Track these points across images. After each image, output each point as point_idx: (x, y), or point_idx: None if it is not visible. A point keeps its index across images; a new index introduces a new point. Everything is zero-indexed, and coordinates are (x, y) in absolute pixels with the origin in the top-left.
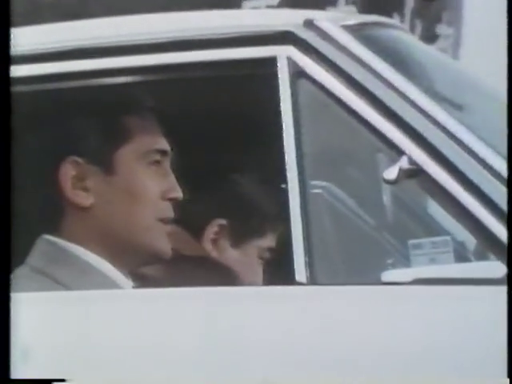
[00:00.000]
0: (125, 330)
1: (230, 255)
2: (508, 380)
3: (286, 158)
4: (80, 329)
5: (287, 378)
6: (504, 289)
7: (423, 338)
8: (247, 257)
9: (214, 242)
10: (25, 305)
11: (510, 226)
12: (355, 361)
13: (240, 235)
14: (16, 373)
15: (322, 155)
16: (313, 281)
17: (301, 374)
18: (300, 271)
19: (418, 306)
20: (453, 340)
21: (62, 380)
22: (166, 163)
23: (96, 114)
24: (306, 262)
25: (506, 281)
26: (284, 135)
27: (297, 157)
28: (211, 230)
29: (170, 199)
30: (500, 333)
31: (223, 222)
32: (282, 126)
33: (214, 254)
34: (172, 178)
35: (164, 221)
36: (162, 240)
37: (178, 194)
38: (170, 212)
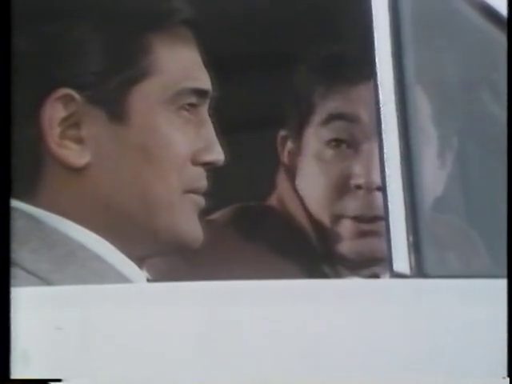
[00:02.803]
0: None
1: None
2: (508, 380)
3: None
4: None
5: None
6: None
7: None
8: None
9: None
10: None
11: (510, 224)
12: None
13: None
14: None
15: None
16: (420, 272)
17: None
18: (400, 258)
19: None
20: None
21: (59, 380)
22: (204, 110)
23: (106, 25)
24: (409, 243)
25: None
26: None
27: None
28: None
29: (205, 164)
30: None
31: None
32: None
33: None
34: (210, 132)
35: (194, 194)
36: (191, 221)
37: (218, 156)
38: (202, 181)
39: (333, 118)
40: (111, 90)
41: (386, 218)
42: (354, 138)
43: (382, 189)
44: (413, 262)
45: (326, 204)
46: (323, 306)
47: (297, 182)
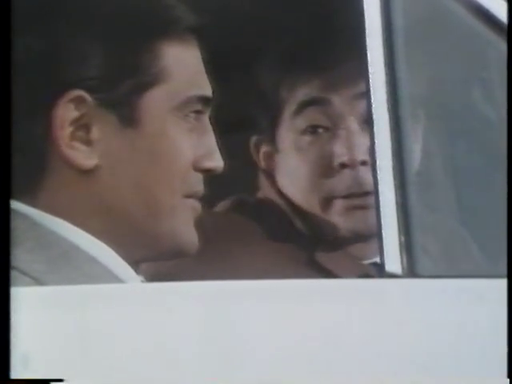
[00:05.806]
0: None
1: None
2: (508, 380)
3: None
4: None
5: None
6: None
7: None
8: None
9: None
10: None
11: (510, 225)
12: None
13: None
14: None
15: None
16: (412, 272)
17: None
18: (392, 258)
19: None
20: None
21: (60, 380)
22: (206, 117)
23: (119, 29)
24: (401, 243)
25: None
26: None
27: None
28: None
29: (205, 170)
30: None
31: None
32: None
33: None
34: (212, 140)
35: (193, 198)
36: (189, 226)
37: (218, 162)
38: (199, 186)
39: (305, 104)
40: (123, 94)
41: (377, 218)
42: (328, 121)
43: (375, 189)
44: (405, 263)
45: (313, 190)
46: (318, 306)
47: (279, 182)
